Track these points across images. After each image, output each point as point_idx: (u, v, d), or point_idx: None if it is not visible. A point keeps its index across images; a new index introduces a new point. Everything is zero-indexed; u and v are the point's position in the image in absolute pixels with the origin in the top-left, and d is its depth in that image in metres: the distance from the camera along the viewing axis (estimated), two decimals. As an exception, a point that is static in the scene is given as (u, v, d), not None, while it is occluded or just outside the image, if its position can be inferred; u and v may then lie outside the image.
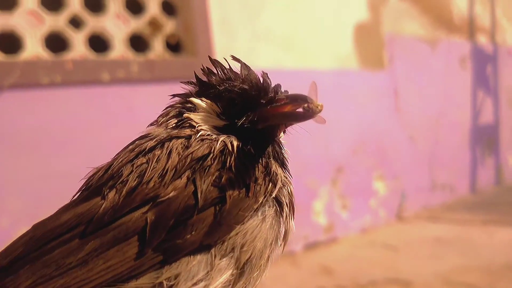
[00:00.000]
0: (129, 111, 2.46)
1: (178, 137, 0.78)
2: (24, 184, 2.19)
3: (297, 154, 3.08)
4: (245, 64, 0.85)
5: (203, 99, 0.84)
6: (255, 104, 0.80)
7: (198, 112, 0.84)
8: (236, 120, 0.80)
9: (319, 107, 0.74)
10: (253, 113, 0.80)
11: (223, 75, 0.85)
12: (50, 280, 0.65)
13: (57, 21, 2.37)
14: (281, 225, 0.77)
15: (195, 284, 0.68)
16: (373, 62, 3.75)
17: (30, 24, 2.29)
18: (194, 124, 0.81)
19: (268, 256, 0.75)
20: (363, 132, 3.62)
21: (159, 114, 0.90)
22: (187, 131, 0.80)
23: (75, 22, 2.44)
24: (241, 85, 0.82)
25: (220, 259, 0.70)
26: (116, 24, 2.54)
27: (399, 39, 3.96)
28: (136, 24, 2.62)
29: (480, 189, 4.67)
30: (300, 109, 0.76)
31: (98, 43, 2.54)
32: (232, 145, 0.77)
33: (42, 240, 0.68)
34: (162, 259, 0.67)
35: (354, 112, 3.56)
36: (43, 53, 2.32)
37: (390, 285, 2.45)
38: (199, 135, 0.78)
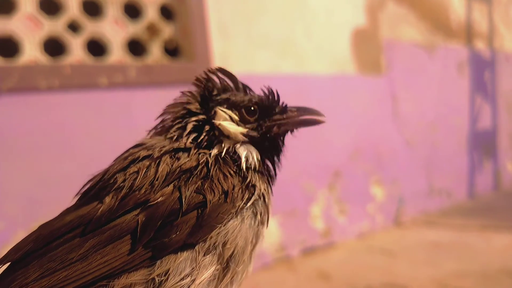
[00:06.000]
0: (127, 115, 2.46)
1: (181, 150, 0.87)
2: (21, 188, 2.19)
3: (295, 158, 3.09)
4: (235, 76, 0.98)
5: (221, 108, 0.95)
6: (269, 113, 0.95)
7: (222, 121, 0.94)
8: (252, 126, 0.94)
9: (322, 116, 0.93)
10: (269, 120, 0.95)
11: (225, 85, 0.98)
12: (55, 272, 0.73)
13: (56, 26, 2.38)
14: (258, 227, 0.87)
15: (182, 279, 0.76)
16: (370, 67, 3.77)
17: (28, 28, 2.30)
18: (228, 132, 0.92)
19: (250, 252, 0.85)
20: (361, 137, 3.63)
21: (165, 123, 0.97)
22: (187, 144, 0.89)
23: (73, 27, 2.45)
24: (257, 96, 0.96)
25: (204, 256, 0.78)
26: (114, 29, 2.55)
27: (397, 45, 3.98)
28: (134, 29, 2.63)
29: (477, 195, 4.68)
30: (307, 117, 0.95)
31: (96, 47, 2.55)
32: (254, 157, 0.91)
33: (48, 238, 0.77)
34: (151, 255, 0.76)
35: (351, 117, 3.57)
36: (41, 58, 2.33)
37: (386, 290, 2.46)
38: (235, 145, 0.91)
